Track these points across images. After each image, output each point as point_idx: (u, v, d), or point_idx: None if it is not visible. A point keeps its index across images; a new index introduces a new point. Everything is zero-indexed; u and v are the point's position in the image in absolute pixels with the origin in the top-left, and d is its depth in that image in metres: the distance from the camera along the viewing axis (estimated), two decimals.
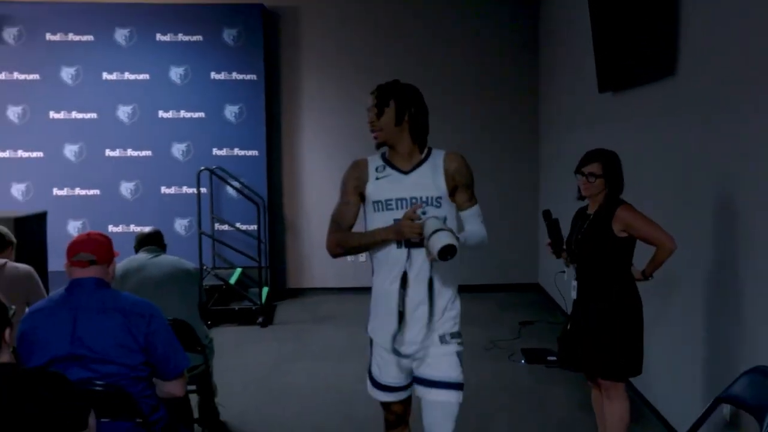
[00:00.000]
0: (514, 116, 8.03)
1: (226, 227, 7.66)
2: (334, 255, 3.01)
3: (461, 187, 2.81)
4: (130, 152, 7.68)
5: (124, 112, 7.64)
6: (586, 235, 3.45)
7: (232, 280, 7.18)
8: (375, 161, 2.91)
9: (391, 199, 2.79)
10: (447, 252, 2.41)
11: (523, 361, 5.55)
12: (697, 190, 3.76)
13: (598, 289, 3.43)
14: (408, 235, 2.60)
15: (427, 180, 2.78)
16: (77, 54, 7.59)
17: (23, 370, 2.28)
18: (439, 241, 2.40)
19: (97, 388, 2.67)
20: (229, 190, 7.62)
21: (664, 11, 4.03)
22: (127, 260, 4.02)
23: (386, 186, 2.81)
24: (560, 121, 7.16)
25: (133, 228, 7.37)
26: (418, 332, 2.78)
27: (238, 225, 7.62)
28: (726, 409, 3.37)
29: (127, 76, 7.62)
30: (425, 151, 2.87)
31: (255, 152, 7.72)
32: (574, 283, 3.53)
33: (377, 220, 2.82)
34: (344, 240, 2.94)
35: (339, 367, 5.48)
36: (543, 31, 7.90)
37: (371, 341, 3.01)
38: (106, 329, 2.72)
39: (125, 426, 2.74)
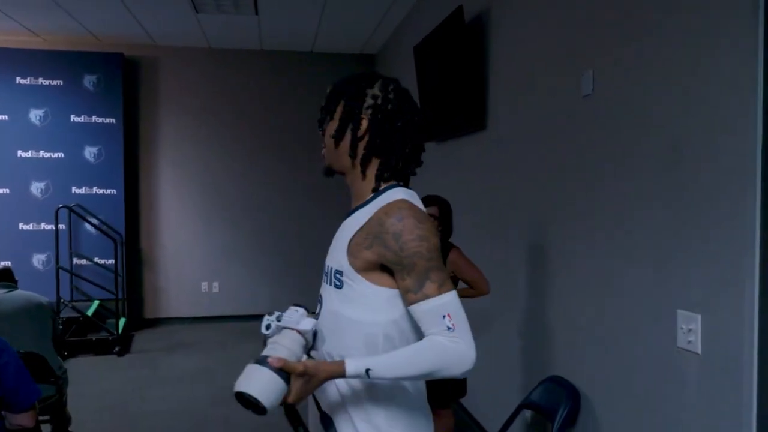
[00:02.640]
0: None
1: (84, 261, 7.32)
2: None
3: (393, 268, 1.57)
4: None
5: None
6: None
7: (90, 312, 6.85)
8: None
9: (325, 262, 1.76)
10: (241, 402, 1.41)
11: None
12: (509, 228, 3.99)
13: None
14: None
15: (340, 240, 1.68)
16: None
17: None
18: (241, 379, 1.41)
19: None
20: (88, 226, 7.30)
21: (475, 77, 4.30)
22: None
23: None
24: None
25: None
26: None
27: (96, 259, 7.31)
28: (527, 413, 3.57)
29: None
30: (378, 190, 1.67)
31: (113, 191, 7.42)
32: None
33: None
34: None
35: (191, 391, 5.35)
36: None
37: None
38: None
39: None
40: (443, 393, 3.55)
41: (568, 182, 3.19)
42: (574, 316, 3.15)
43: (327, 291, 1.69)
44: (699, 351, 2.20)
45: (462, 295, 3.54)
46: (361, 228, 1.61)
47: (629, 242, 2.64)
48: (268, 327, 1.52)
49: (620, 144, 2.71)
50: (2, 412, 2.73)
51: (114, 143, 7.44)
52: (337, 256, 1.65)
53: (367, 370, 1.46)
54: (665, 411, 2.41)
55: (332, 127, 1.68)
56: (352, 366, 1.46)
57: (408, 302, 1.57)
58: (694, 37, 2.24)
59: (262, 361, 1.40)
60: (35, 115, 7.27)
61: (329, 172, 1.77)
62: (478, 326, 4.23)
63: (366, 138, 1.65)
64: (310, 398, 1.73)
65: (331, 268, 1.66)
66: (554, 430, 2.95)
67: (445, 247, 3.52)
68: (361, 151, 1.66)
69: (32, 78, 7.25)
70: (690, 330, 2.23)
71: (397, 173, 1.70)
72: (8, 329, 3.60)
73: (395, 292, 1.60)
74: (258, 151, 7.92)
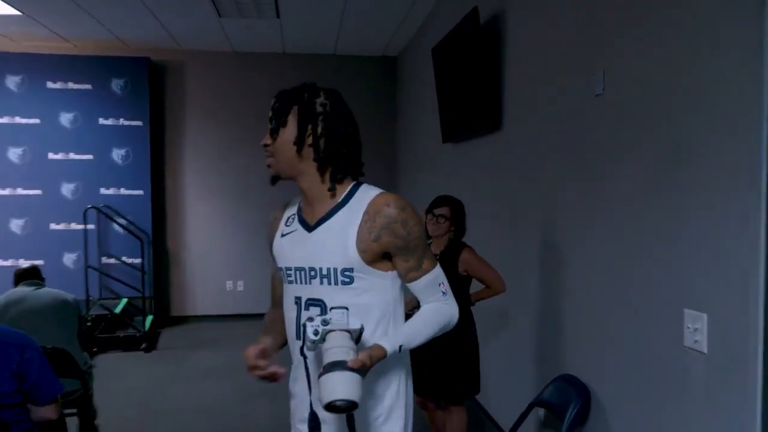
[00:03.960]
0: (374, 161, 8.10)
1: (112, 260, 7.42)
2: None
3: (398, 253, 1.71)
4: (20, 191, 7.31)
5: (14, 153, 7.29)
6: None
7: (118, 310, 6.96)
8: (292, 208, 1.90)
9: (290, 268, 1.79)
10: (335, 410, 1.44)
11: None
12: (522, 228, 3.97)
13: None
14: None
15: (334, 240, 1.71)
16: None
17: None
18: (326, 391, 1.44)
19: None
20: (116, 226, 7.38)
21: (491, 78, 4.28)
22: (7, 293, 3.87)
23: (287, 247, 1.81)
24: (413, 165, 7.39)
25: (22, 262, 7.00)
26: None
27: (124, 258, 7.41)
28: (541, 411, 3.54)
29: (18, 120, 7.27)
30: (347, 190, 1.78)
31: (140, 191, 7.51)
32: None
33: (286, 295, 1.85)
34: (262, 327, 1.97)
35: (214, 388, 5.39)
36: (400, 89, 8.15)
37: None
38: None
39: None
40: (457, 390, 3.53)
41: (580, 182, 3.16)
42: (585, 315, 3.13)
43: (327, 291, 1.73)
44: (705, 350, 2.17)
45: (479, 297, 3.54)
46: (360, 225, 1.70)
47: (638, 241, 2.61)
48: (316, 333, 1.53)
49: (630, 143, 2.68)
50: (28, 405, 2.80)
51: (141, 145, 7.53)
52: (337, 255, 1.70)
53: (400, 347, 1.66)
54: (672, 409, 2.38)
55: (289, 133, 1.72)
56: (389, 347, 1.63)
57: (409, 279, 1.76)
58: (698, 36, 2.21)
59: (344, 367, 1.44)
60: (65, 118, 7.39)
61: (276, 179, 1.80)
62: (492, 324, 4.23)
63: (322, 141, 1.73)
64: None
65: (334, 269, 1.71)
66: (564, 429, 2.92)
67: (458, 246, 3.50)
68: (319, 153, 1.73)
69: (62, 82, 7.37)
70: (696, 329, 2.20)
71: (352, 173, 1.81)
72: (35, 325, 3.66)
73: (394, 273, 1.78)
74: None
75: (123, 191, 7.49)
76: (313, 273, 1.74)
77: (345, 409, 1.43)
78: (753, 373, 1.95)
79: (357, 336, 1.58)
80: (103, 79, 7.44)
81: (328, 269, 1.71)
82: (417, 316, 1.77)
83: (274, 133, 1.74)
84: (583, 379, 3.06)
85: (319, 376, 1.48)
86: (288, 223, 1.86)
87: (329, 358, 1.47)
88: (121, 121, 7.48)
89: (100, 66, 7.44)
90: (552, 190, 3.52)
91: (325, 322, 1.53)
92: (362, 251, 1.69)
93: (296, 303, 1.80)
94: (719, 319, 2.11)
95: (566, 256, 3.34)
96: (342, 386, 1.42)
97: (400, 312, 1.82)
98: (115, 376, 5.70)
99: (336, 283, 1.71)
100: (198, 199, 8.01)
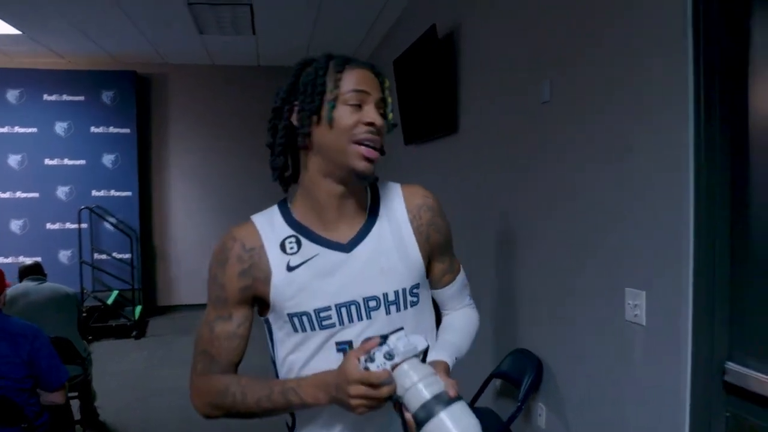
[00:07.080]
0: None
1: (104, 256, 7.30)
2: (208, 417, 1.38)
3: (437, 251, 1.30)
4: (19, 194, 7.16)
5: (14, 159, 7.13)
6: None
7: (110, 301, 6.85)
8: (274, 227, 1.27)
9: (327, 308, 1.19)
10: None
11: None
12: (480, 221, 3.99)
13: None
14: (358, 406, 1.05)
15: (393, 255, 1.22)
16: None
17: None
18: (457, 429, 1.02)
19: None
20: (107, 224, 7.27)
21: (447, 86, 4.30)
22: (13, 288, 3.80)
23: (312, 281, 1.19)
24: (379, 166, 7.38)
25: (21, 259, 6.84)
26: None
27: (114, 254, 7.29)
28: (498, 382, 3.59)
29: (17, 129, 7.13)
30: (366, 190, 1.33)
31: (129, 193, 7.40)
32: None
33: (301, 350, 1.22)
34: (222, 400, 1.31)
35: None
36: None
37: None
38: None
39: (13, 431, 2.60)
40: None
41: (530, 179, 3.21)
42: (539, 296, 3.17)
43: (392, 321, 1.21)
44: (644, 323, 2.23)
45: None
46: (413, 225, 1.26)
47: (585, 229, 2.66)
48: (390, 357, 1.07)
49: (573, 144, 2.74)
50: (38, 390, 2.76)
51: (129, 151, 7.43)
52: (403, 272, 1.23)
53: (456, 358, 1.30)
54: (616, 376, 2.44)
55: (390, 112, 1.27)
56: (450, 362, 1.26)
57: (443, 284, 1.32)
58: (632, 49, 2.27)
59: (448, 400, 1.05)
60: (60, 127, 7.25)
61: (371, 175, 1.27)
62: None
63: None
64: None
65: (402, 290, 1.22)
66: (520, 396, 2.97)
67: None
68: None
69: (57, 95, 7.25)
70: (636, 305, 2.26)
71: None
72: (39, 316, 3.61)
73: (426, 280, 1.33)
74: (257, 156, 7.82)
75: (113, 193, 7.37)
76: (374, 303, 1.19)
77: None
78: (684, 341, 2.01)
79: (425, 357, 1.14)
80: (94, 91, 7.32)
81: (396, 292, 1.20)
82: (453, 328, 1.36)
83: (385, 117, 1.25)
84: (536, 352, 3.11)
85: (419, 427, 1.03)
86: (289, 247, 1.21)
87: (417, 399, 1.03)
88: (111, 129, 7.36)
89: (91, 79, 7.31)
90: (506, 186, 3.55)
91: (389, 356, 1.05)
92: (424, 258, 1.24)
93: (341, 351, 1.20)
94: (656, 295, 2.17)
95: (521, 245, 3.38)
96: (465, 422, 1.02)
97: None
98: (110, 361, 5.61)
99: (405, 308, 1.21)
100: (181, 199, 7.91)
